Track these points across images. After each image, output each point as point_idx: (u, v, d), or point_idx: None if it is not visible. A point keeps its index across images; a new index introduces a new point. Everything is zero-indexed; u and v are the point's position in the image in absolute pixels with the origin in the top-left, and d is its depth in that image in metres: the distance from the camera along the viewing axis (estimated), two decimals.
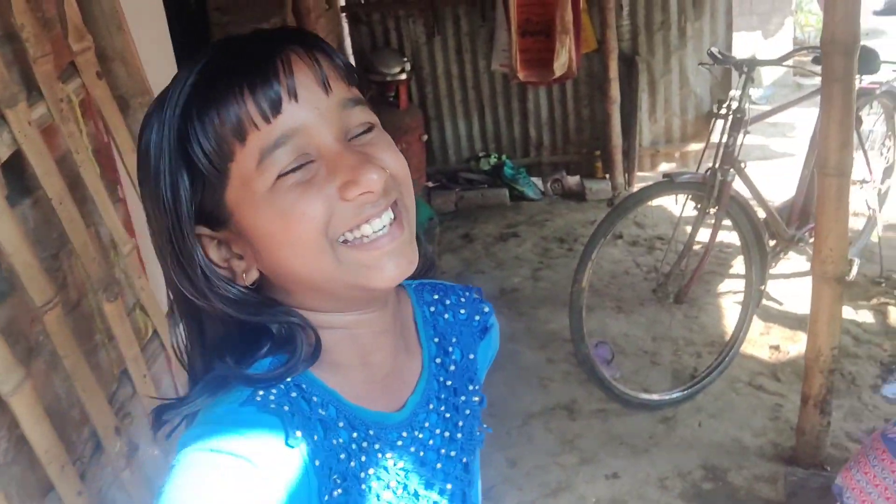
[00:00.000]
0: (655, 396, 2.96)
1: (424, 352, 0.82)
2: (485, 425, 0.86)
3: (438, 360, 0.83)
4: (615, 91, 4.89)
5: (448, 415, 0.81)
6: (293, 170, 0.65)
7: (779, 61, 2.99)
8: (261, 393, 0.66)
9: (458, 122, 5.26)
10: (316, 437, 0.67)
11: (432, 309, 0.86)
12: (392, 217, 0.69)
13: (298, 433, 0.66)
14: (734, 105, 2.89)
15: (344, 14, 5.17)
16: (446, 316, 0.86)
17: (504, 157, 5.28)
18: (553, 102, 5.18)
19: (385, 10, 5.13)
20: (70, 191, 1.49)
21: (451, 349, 0.84)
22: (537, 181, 5.26)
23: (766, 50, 6.66)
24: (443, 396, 0.81)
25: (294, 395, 0.68)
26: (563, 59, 4.73)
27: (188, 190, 0.66)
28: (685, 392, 2.97)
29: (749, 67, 2.90)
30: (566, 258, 4.28)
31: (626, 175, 5.06)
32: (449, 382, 0.82)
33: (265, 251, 0.68)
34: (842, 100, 2.19)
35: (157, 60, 2.24)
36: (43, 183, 1.41)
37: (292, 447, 0.65)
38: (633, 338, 3.48)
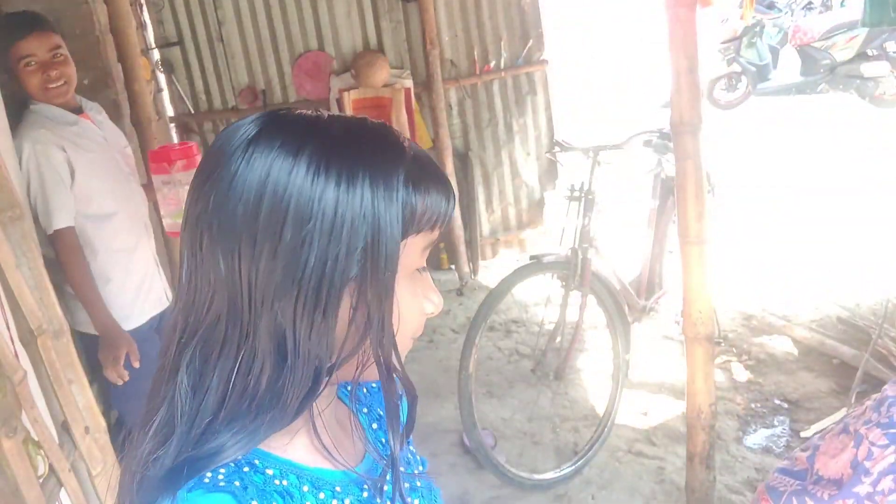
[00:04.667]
0: (548, 475, 2.98)
1: (360, 418, 0.87)
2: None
3: (374, 426, 0.87)
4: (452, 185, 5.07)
5: (402, 468, 0.84)
6: (421, 271, 0.77)
7: (620, 146, 3.25)
8: (208, 475, 0.66)
9: None
10: None
11: (348, 388, 0.88)
12: None
13: (254, 502, 0.66)
14: (585, 188, 3.10)
15: (173, 125, 5.04)
16: (364, 390, 0.91)
17: None
18: None
19: (217, 119, 5.07)
20: None
21: (381, 415, 0.89)
22: None
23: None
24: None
25: (246, 469, 0.69)
26: None
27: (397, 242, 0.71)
28: (573, 467, 3.03)
29: (594, 153, 3.14)
30: (429, 350, 4.29)
31: (471, 264, 5.21)
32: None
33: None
34: (694, 174, 2.41)
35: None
36: None
37: None
38: (510, 421, 3.52)
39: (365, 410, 0.88)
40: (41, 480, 1.50)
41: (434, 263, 5.32)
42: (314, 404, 0.73)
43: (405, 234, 0.71)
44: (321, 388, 0.70)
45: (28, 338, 1.60)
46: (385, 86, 4.87)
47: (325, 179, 0.67)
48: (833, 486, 1.73)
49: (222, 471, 0.67)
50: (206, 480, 0.66)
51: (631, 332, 3.29)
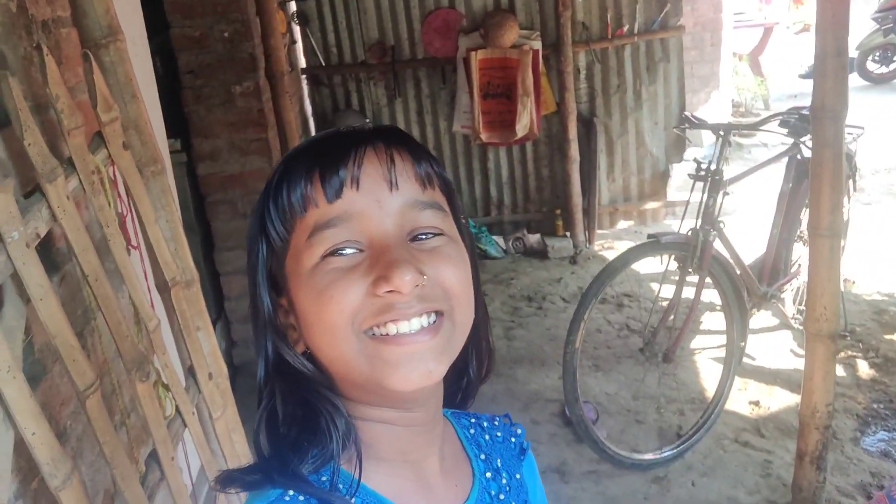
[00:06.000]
0: (648, 456, 2.95)
1: (473, 464, 0.82)
2: None
3: (489, 475, 0.82)
4: (574, 151, 5.00)
5: None
6: (339, 254, 0.67)
7: (754, 126, 3.10)
8: (290, 493, 0.66)
9: None
10: None
11: (472, 431, 0.87)
12: (424, 325, 0.67)
13: None
14: (712, 167, 2.98)
15: (304, 76, 5.17)
16: (486, 437, 0.87)
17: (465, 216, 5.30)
18: (513, 162, 5.26)
19: (346, 73, 5.17)
20: None
21: (498, 467, 0.84)
22: (499, 239, 5.31)
23: (708, 110, 6.96)
24: None
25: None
26: (525, 120, 4.84)
27: (264, 255, 0.72)
28: (675, 450, 2.98)
29: (725, 132, 3.01)
30: (536, 317, 4.29)
31: (587, 233, 5.15)
32: (502, 496, 0.82)
33: (303, 326, 0.70)
34: (832, 164, 2.28)
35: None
36: (80, 259, 1.34)
37: None
38: (615, 396, 3.49)
39: (482, 457, 0.84)
40: (168, 421, 1.62)
41: (549, 230, 5.29)
42: (402, 442, 0.73)
43: (285, 222, 0.70)
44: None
45: (163, 287, 1.71)
46: (513, 47, 4.82)
47: None
48: None
49: (303, 495, 0.67)
50: (287, 499, 0.66)
51: (748, 318, 3.17)
